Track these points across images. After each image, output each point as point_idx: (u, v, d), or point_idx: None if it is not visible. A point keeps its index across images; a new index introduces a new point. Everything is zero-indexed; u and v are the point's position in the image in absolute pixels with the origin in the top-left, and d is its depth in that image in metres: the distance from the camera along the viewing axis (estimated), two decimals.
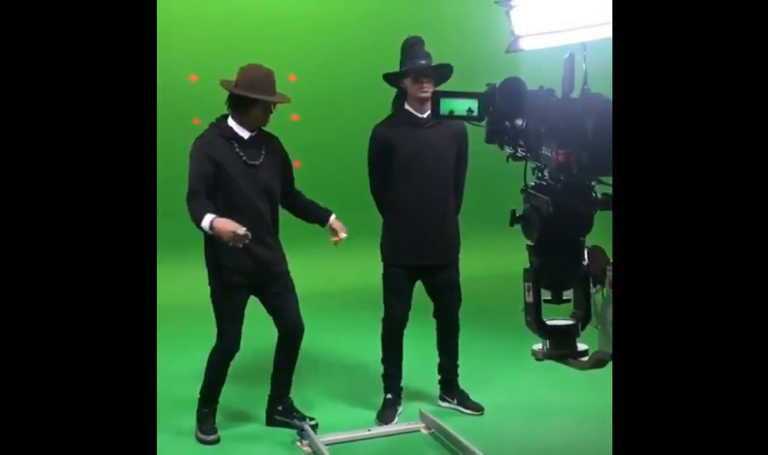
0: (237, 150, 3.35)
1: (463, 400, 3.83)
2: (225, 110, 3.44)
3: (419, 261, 3.65)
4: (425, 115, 3.55)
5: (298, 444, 3.44)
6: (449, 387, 3.88)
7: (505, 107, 2.10)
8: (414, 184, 3.58)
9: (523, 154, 2.13)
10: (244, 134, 3.39)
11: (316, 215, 3.65)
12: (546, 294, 2.23)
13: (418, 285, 3.77)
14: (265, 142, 3.46)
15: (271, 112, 3.43)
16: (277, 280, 3.51)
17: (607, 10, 1.85)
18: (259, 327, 3.62)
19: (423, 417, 3.63)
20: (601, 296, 4.03)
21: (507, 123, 2.12)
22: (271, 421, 3.66)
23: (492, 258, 6.64)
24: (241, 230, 3.15)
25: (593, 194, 2.06)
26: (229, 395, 3.64)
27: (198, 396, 3.59)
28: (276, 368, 3.65)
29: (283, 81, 7.10)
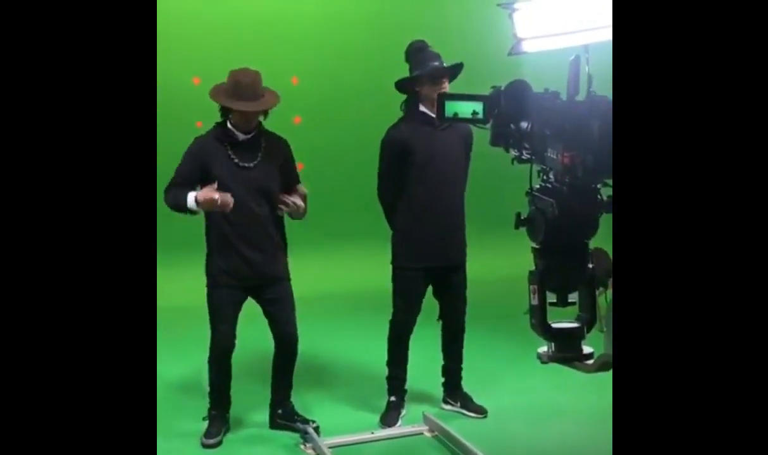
0: (229, 151, 3.39)
1: (467, 403, 3.83)
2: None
3: (435, 263, 3.64)
4: None
5: (302, 447, 3.44)
6: (453, 389, 3.87)
7: (510, 110, 2.10)
8: (430, 186, 3.59)
9: (528, 156, 2.13)
10: (239, 136, 3.41)
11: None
12: (551, 297, 2.23)
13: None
14: (265, 143, 3.46)
15: (257, 115, 3.42)
16: (273, 285, 3.50)
17: (609, 12, 1.85)
18: (263, 328, 3.61)
19: (426, 420, 3.62)
20: (604, 299, 4.03)
21: (512, 125, 2.12)
22: (273, 424, 3.66)
23: (496, 261, 6.63)
24: (224, 196, 3.22)
25: (598, 196, 2.06)
26: (233, 397, 3.63)
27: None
28: (274, 374, 3.66)
29: (286, 84, 7.12)
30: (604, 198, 2.06)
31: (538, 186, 2.15)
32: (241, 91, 3.33)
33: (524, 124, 2.11)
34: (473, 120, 2.14)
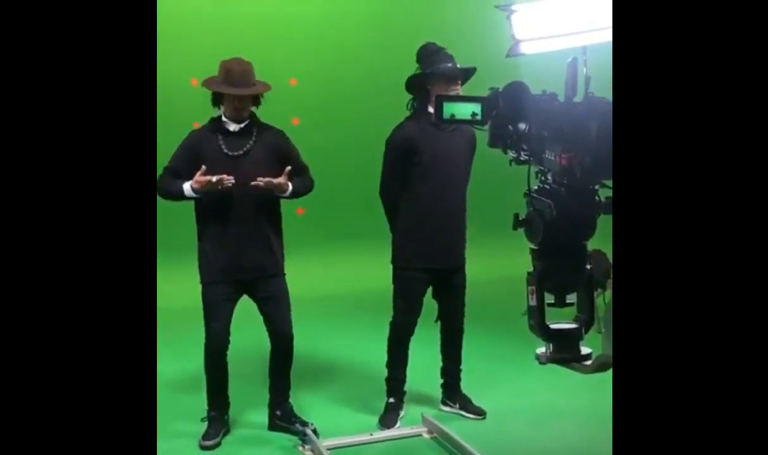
0: (220, 141, 3.42)
1: (466, 404, 3.83)
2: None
3: (436, 264, 3.64)
4: None
5: (300, 448, 3.44)
6: (452, 391, 3.88)
7: (508, 111, 2.10)
8: (434, 187, 3.59)
9: (526, 157, 2.13)
10: (231, 126, 3.43)
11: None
12: (549, 298, 2.23)
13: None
14: (258, 133, 3.46)
15: (248, 103, 3.43)
16: (266, 280, 3.50)
17: (607, 14, 1.86)
18: (261, 329, 3.61)
19: (425, 421, 3.63)
20: (602, 300, 4.03)
21: (510, 127, 2.12)
22: (272, 426, 3.66)
23: (495, 262, 6.64)
24: (220, 176, 3.26)
25: (596, 198, 2.07)
26: (232, 398, 3.64)
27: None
28: (271, 375, 3.66)
29: (284, 85, 7.13)
30: (602, 199, 2.06)
31: (536, 187, 2.16)
32: (232, 78, 3.37)
33: (522, 126, 2.11)
34: (471, 121, 2.14)
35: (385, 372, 3.82)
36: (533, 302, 2.20)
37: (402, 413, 3.78)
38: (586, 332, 2.21)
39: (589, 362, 2.22)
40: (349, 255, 6.80)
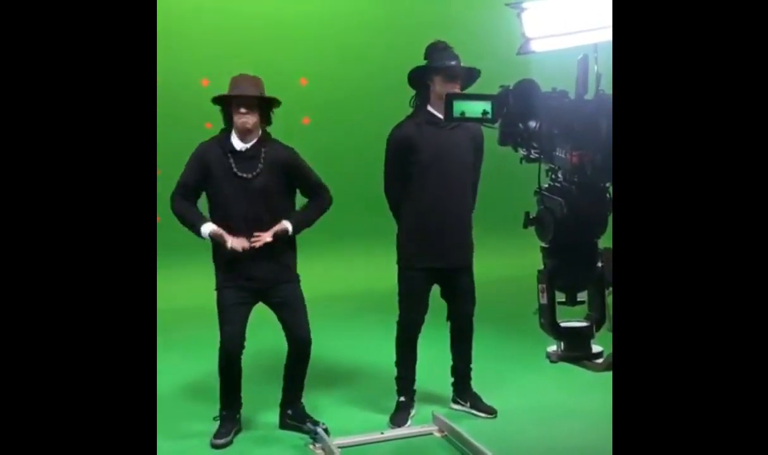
0: (231, 161, 3.43)
1: (476, 403, 3.83)
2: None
3: (439, 264, 3.63)
4: None
5: (311, 447, 3.45)
6: (462, 389, 3.87)
7: (518, 109, 2.10)
8: (434, 186, 3.57)
9: (537, 155, 2.13)
10: (239, 146, 3.44)
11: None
12: (560, 296, 2.23)
13: (433, 288, 3.76)
14: (267, 153, 3.45)
15: (255, 125, 3.42)
16: (279, 287, 3.50)
17: None
18: (275, 329, 3.62)
19: (436, 420, 3.62)
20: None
21: (520, 125, 2.12)
22: (283, 425, 3.67)
23: (505, 261, 6.64)
24: (235, 242, 3.35)
25: (607, 195, 2.06)
26: (245, 398, 3.64)
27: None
28: (285, 376, 3.66)
29: (295, 85, 7.14)
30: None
31: (546, 185, 2.16)
32: (237, 85, 3.39)
33: (533, 124, 2.11)
34: (481, 119, 2.14)
35: (394, 371, 3.82)
36: (544, 300, 2.20)
37: (413, 412, 3.78)
38: (597, 330, 2.21)
39: (600, 360, 2.22)
40: (358, 254, 6.81)
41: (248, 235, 3.40)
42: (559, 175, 2.13)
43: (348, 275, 6.66)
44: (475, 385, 3.89)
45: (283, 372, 3.68)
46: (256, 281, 3.47)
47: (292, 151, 3.56)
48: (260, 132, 3.47)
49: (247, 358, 3.56)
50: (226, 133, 3.49)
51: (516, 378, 4.35)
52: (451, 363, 3.89)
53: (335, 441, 3.40)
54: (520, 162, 2.23)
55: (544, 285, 2.18)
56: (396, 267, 3.74)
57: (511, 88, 2.11)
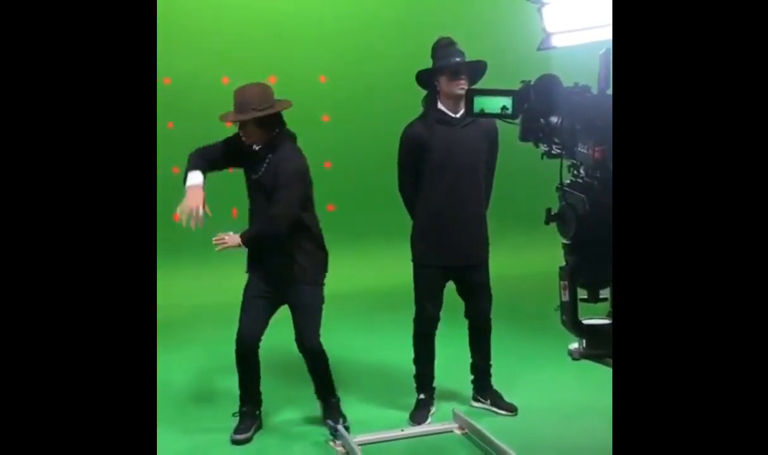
0: (244, 159, 3.49)
1: (497, 400, 3.81)
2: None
3: (453, 262, 3.62)
4: (459, 114, 3.53)
5: (331, 443, 3.45)
6: (482, 387, 3.86)
7: (539, 104, 2.09)
8: (447, 184, 3.56)
9: (559, 151, 2.12)
10: (249, 146, 3.47)
11: None
12: (582, 293, 2.21)
13: (449, 285, 3.75)
14: (273, 157, 3.43)
15: (250, 128, 3.40)
16: (295, 287, 3.49)
17: None
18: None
19: (456, 417, 3.61)
20: None
21: (542, 120, 2.11)
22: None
23: (526, 257, 6.60)
24: (183, 212, 3.34)
25: None
26: (267, 394, 3.65)
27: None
28: (310, 374, 3.67)
29: (314, 82, 7.14)
30: None
31: (568, 181, 2.14)
32: (234, 105, 3.41)
33: (554, 119, 2.10)
34: (502, 115, 2.13)
35: (413, 369, 3.81)
36: (566, 297, 2.19)
37: (433, 409, 3.77)
38: None
39: None
40: (377, 251, 6.80)
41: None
42: (581, 171, 2.11)
43: (367, 272, 6.65)
44: (496, 382, 3.87)
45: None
46: (272, 277, 3.49)
47: (288, 160, 3.43)
48: (267, 137, 3.44)
49: (271, 354, 3.56)
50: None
51: (537, 375, 4.32)
52: (470, 360, 3.88)
53: (355, 438, 3.40)
54: (542, 158, 2.22)
55: (566, 282, 2.17)
56: (411, 263, 3.73)
57: (532, 83, 2.10)
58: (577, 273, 2.16)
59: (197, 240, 7.21)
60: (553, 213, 2.19)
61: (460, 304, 3.79)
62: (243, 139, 3.45)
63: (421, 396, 3.76)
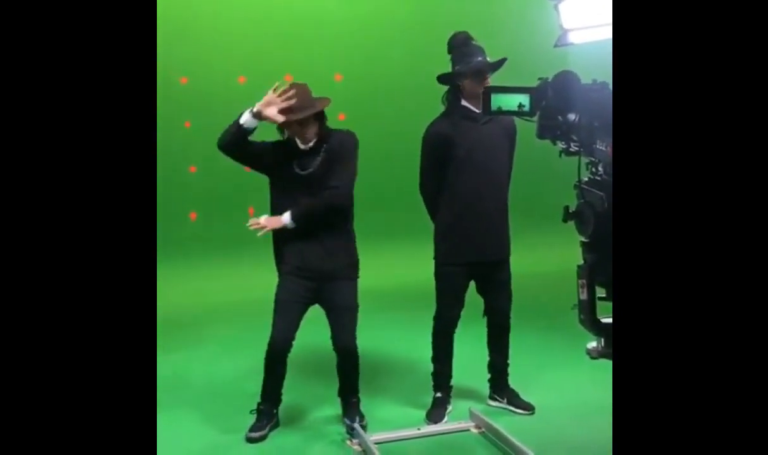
0: (293, 160, 3.44)
1: (514, 399, 3.80)
2: None
3: (477, 259, 3.61)
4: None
5: (348, 442, 3.45)
6: (499, 386, 3.85)
7: (557, 101, 2.07)
8: (471, 181, 3.55)
9: (577, 148, 2.10)
10: (301, 145, 3.45)
11: None
12: (600, 292, 2.19)
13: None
14: (326, 146, 3.46)
15: (309, 124, 3.41)
16: (333, 287, 3.49)
17: None
18: (323, 324, 3.60)
19: (473, 416, 3.60)
20: None
21: (559, 117, 2.09)
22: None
23: (541, 256, 6.58)
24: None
25: None
26: (287, 392, 3.64)
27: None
28: (337, 373, 3.67)
29: (330, 81, 7.15)
30: None
31: (586, 179, 2.13)
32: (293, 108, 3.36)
33: (572, 116, 2.08)
34: (519, 113, 2.12)
35: (431, 367, 3.80)
36: (584, 296, 2.17)
37: (449, 408, 3.76)
38: None
39: None
40: (394, 250, 6.81)
41: (306, 225, 3.41)
42: (600, 169, 2.10)
43: (382, 271, 6.65)
44: (513, 381, 3.86)
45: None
46: (314, 272, 3.45)
47: (344, 140, 3.51)
48: (321, 132, 3.47)
49: (293, 351, 3.55)
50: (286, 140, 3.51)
51: (554, 374, 4.30)
52: (487, 359, 3.87)
53: (372, 436, 3.40)
54: (560, 155, 2.20)
55: (584, 281, 2.15)
56: (432, 262, 3.71)
57: (549, 80, 2.09)
58: (596, 271, 2.14)
59: (212, 239, 7.25)
60: (571, 211, 2.17)
61: (479, 302, 3.78)
62: (299, 137, 3.41)
63: (438, 394, 3.76)
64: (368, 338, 4.92)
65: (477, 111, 3.52)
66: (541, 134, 2.15)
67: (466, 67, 3.48)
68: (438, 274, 3.69)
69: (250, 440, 3.50)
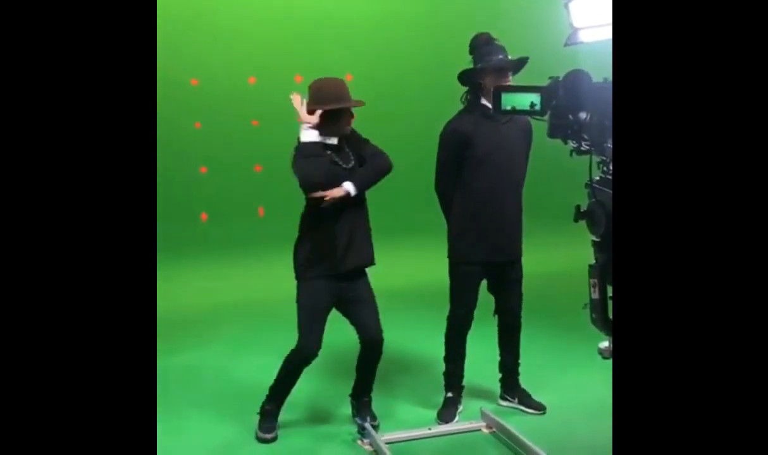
0: (334, 158, 3.39)
1: (525, 399, 3.79)
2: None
3: (491, 258, 3.61)
4: None
5: (359, 442, 3.45)
6: (510, 385, 3.84)
7: (568, 100, 2.07)
8: (488, 180, 3.55)
9: (588, 147, 2.10)
10: (330, 140, 3.40)
11: None
12: (612, 291, 2.19)
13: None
14: (346, 141, 3.47)
15: (349, 121, 3.44)
16: (359, 281, 3.48)
17: None
18: (337, 323, 3.58)
19: (484, 416, 3.60)
20: None
21: (570, 116, 2.09)
22: (353, 413, 3.69)
23: (553, 255, 6.56)
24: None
25: None
26: (294, 390, 3.66)
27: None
28: (356, 370, 3.65)
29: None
30: None
31: (598, 178, 2.12)
32: (344, 94, 3.38)
33: (583, 115, 2.08)
34: (530, 112, 2.12)
35: (442, 367, 3.80)
36: (595, 295, 2.17)
37: (460, 407, 3.76)
38: None
39: None
40: (407, 250, 6.81)
41: (346, 223, 3.40)
42: (611, 168, 2.09)
43: (395, 270, 6.64)
44: (524, 381, 3.85)
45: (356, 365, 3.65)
46: (342, 271, 3.40)
47: (353, 131, 3.53)
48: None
49: None
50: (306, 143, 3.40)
51: (565, 374, 4.29)
52: (498, 358, 3.86)
53: (383, 436, 3.40)
54: (570, 154, 2.20)
55: (596, 280, 2.15)
56: (446, 262, 3.71)
57: (560, 79, 2.08)
58: (607, 270, 2.14)
59: (222, 239, 7.26)
60: (582, 210, 2.17)
61: (489, 302, 3.77)
62: (346, 127, 3.39)
63: (450, 394, 3.75)
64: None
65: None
66: (552, 133, 2.14)
67: (487, 64, 3.48)
68: (452, 273, 3.69)
69: (263, 441, 3.50)
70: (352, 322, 3.53)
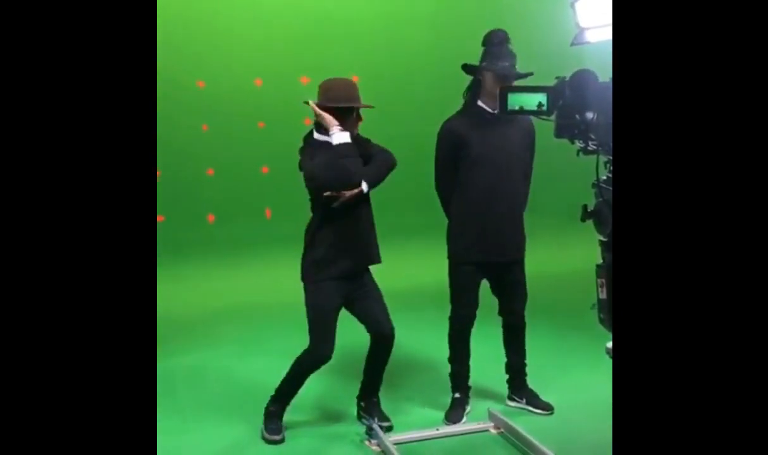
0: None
1: (533, 399, 3.78)
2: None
3: (491, 258, 3.60)
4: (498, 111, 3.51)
5: (367, 442, 3.45)
6: (518, 386, 3.84)
7: (575, 100, 2.07)
8: (483, 181, 3.54)
9: (595, 147, 2.09)
10: (340, 138, 3.36)
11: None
12: None
13: (484, 283, 3.73)
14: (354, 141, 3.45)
15: (360, 120, 3.44)
16: (366, 277, 3.49)
17: None
18: (344, 323, 3.57)
19: (492, 416, 3.60)
20: None
21: (577, 116, 2.09)
22: (358, 417, 3.69)
23: (560, 255, 6.55)
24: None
25: None
26: (301, 391, 3.66)
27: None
28: (366, 369, 3.66)
29: None
30: None
31: (605, 177, 2.12)
32: (354, 93, 3.41)
33: (590, 115, 2.08)
34: (537, 112, 2.12)
35: (448, 367, 3.80)
36: (603, 295, 2.16)
37: (468, 408, 3.76)
38: None
39: None
40: (409, 250, 6.80)
41: (353, 220, 3.39)
42: None
43: (399, 271, 6.64)
44: (531, 381, 3.85)
45: (364, 364, 3.65)
46: (352, 271, 3.41)
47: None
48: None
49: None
50: (313, 138, 3.45)
51: (573, 374, 4.28)
52: (505, 359, 3.86)
53: (391, 437, 3.40)
54: (577, 154, 2.20)
55: (604, 280, 2.15)
56: (446, 262, 3.71)
57: (567, 79, 2.08)
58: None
59: (229, 240, 7.27)
60: (589, 210, 2.17)
61: (495, 302, 3.77)
62: (348, 128, 3.36)
63: (457, 395, 3.75)
64: None
65: (492, 111, 3.51)
66: (559, 133, 2.14)
67: (491, 67, 3.47)
68: (452, 273, 3.69)
69: (271, 442, 3.50)
70: (362, 319, 3.53)
